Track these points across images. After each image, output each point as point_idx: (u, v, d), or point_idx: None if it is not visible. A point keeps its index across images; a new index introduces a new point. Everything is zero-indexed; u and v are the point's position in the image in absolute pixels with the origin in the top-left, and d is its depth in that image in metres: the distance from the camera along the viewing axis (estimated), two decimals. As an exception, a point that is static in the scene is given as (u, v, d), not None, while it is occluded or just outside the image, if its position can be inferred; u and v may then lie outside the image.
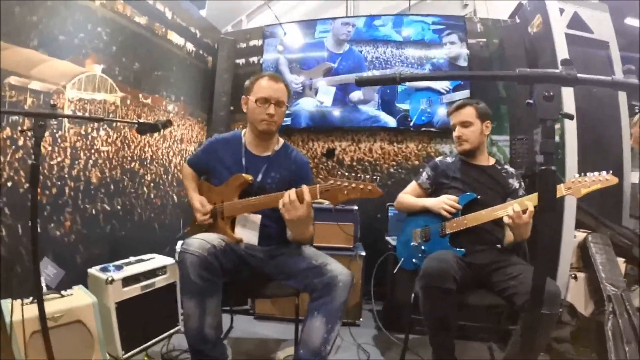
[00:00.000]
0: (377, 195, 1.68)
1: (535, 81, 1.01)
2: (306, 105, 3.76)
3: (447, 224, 2.14)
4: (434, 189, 2.36)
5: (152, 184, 3.16)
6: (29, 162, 2.08)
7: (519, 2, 3.29)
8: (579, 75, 0.98)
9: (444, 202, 2.16)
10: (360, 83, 1.23)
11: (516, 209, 1.86)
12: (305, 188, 1.73)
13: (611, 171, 1.84)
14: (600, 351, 2.25)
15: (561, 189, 1.88)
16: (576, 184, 1.86)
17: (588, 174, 1.86)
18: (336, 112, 3.70)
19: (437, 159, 2.43)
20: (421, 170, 2.46)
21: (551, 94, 0.98)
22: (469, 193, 2.16)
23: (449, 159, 2.39)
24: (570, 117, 1.19)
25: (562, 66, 1.00)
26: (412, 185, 2.44)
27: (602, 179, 1.84)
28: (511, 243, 2.09)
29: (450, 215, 2.14)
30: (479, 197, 2.15)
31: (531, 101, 1.02)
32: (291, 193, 1.73)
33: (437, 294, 1.83)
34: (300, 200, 1.71)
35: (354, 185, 1.66)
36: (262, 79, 2.01)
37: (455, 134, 2.28)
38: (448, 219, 2.15)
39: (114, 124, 2.73)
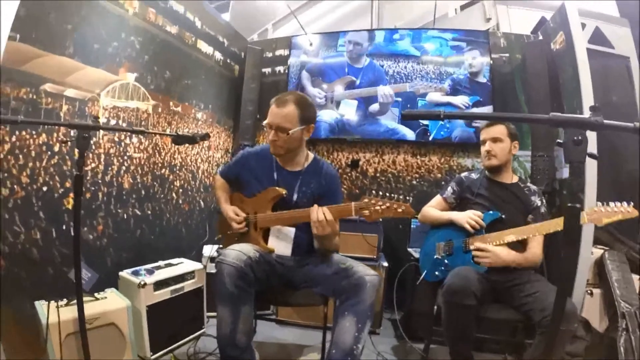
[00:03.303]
0: (410, 216, 1.72)
1: (565, 126, 1.05)
2: (326, 118, 3.65)
3: (471, 241, 2.09)
4: (458, 204, 2.31)
5: (180, 190, 3.11)
6: (63, 168, 2.08)
7: (541, 16, 3.16)
8: (605, 121, 1.00)
9: (470, 217, 2.10)
10: (407, 117, 1.22)
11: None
12: (327, 209, 1.77)
13: (632, 203, 1.79)
14: (612, 367, 2.21)
15: (583, 217, 1.82)
16: (598, 212, 1.80)
17: (610, 203, 1.81)
18: (356, 125, 3.59)
19: (463, 175, 2.37)
20: (444, 184, 2.41)
21: (579, 138, 1.02)
22: (492, 212, 2.11)
23: (474, 175, 2.33)
24: (595, 157, 1.19)
25: (591, 112, 1.01)
26: (437, 199, 2.37)
27: (623, 210, 1.79)
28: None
29: (474, 230, 2.08)
30: (503, 216, 2.10)
31: (561, 141, 1.07)
32: (319, 213, 1.76)
33: (459, 309, 1.84)
34: (327, 219, 1.75)
35: (388, 204, 1.69)
36: (273, 104, 1.93)
37: (485, 148, 2.20)
38: (472, 234, 2.10)
39: (146, 131, 2.67)
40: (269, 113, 1.92)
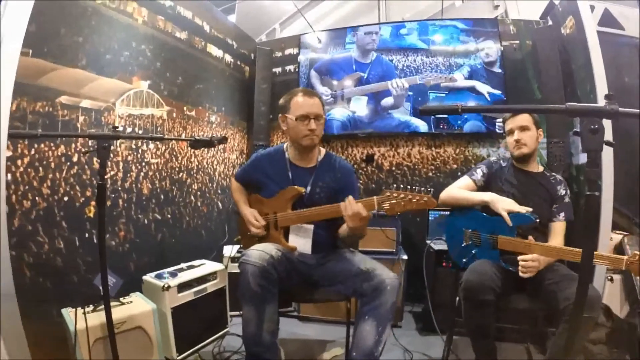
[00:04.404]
0: (432, 207, 1.66)
1: (581, 115, 1.03)
2: (338, 115, 3.59)
3: (500, 240, 1.97)
4: (485, 189, 2.17)
5: (198, 193, 3.10)
6: (83, 177, 2.09)
7: (550, 0, 3.06)
8: (620, 109, 0.99)
9: (511, 208, 1.94)
10: (424, 113, 1.18)
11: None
12: (358, 203, 1.72)
13: None
14: (633, 352, 2.16)
15: (621, 264, 1.67)
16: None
17: None
18: (368, 120, 3.52)
19: (492, 159, 2.27)
20: (460, 175, 2.30)
21: (596, 127, 1.00)
22: (529, 215, 1.93)
23: (503, 163, 2.23)
24: (611, 145, 1.13)
25: (606, 100, 1.00)
26: (466, 181, 2.21)
27: None
28: None
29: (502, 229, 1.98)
30: (538, 220, 1.95)
31: (578, 130, 1.04)
32: (354, 207, 1.71)
33: (477, 305, 1.82)
34: (363, 213, 1.71)
35: (410, 196, 1.65)
36: (297, 96, 1.93)
37: (513, 137, 2.10)
38: (499, 233, 1.98)
39: (162, 137, 2.67)
40: (301, 105, 1.90)
